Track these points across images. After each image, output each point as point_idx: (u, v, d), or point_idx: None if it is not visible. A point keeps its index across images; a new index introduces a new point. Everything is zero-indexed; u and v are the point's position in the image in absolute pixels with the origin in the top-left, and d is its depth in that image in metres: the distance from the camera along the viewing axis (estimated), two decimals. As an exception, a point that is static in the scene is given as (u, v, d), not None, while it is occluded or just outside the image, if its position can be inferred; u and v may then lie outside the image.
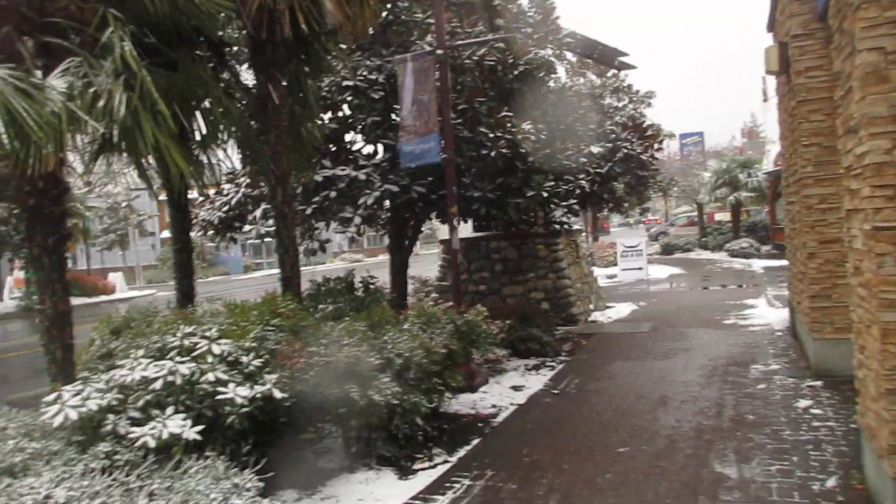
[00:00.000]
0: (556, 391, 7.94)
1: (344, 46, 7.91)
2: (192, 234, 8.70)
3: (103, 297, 27.52)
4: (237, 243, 11.65)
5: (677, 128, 48.51)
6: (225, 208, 10.56)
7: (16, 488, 3.92)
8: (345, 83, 9.09)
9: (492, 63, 9.67)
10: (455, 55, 9.31)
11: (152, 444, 4.41)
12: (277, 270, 7.03)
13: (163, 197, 7.87)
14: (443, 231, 15.18)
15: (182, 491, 3.93)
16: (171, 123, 5.03)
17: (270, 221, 10.68)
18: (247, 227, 10.58)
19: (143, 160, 6.23)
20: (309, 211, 9.35)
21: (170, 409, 4.69)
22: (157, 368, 4.88)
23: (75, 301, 25.53)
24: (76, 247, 29.46)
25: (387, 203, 9.89)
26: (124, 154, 5.59)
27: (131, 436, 4.44)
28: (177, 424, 4.58)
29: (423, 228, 11.68)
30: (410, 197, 9.43)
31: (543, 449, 5.98)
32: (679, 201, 52.19)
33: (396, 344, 6.16)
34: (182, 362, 4.90)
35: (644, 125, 16.81)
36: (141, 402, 4.79)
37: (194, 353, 4.97)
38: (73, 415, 4.43)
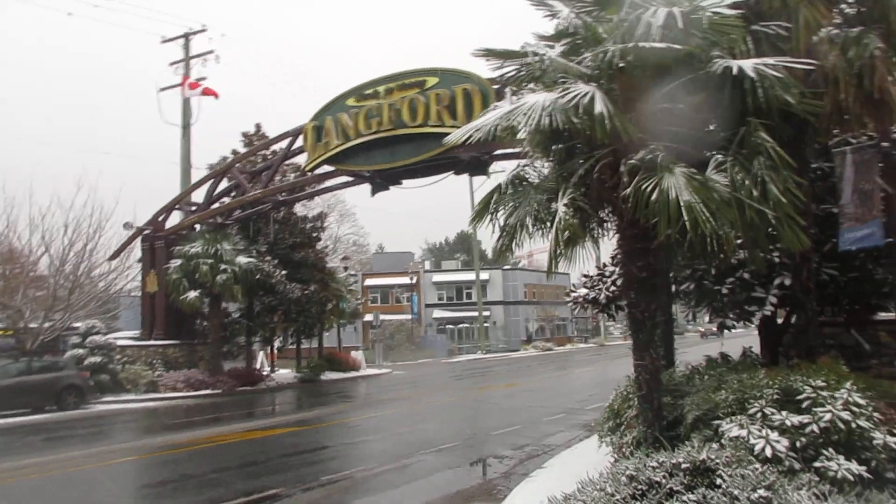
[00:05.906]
0: None
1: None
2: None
3: (353, 374, 29.84)
4: (615, 320, 12.62)
5: None
6: (612, 288, 11.64)
7: None
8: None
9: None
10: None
11: (850, 477, 5.20)
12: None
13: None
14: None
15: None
16: (798, 204, 6.06)
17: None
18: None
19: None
20: (725, 291, 10.12)
21: (830, 451, 5.47)
22: (803, 417, 5.72)
23: (335, 375, 27.56)
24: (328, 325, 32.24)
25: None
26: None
27: (830, 472, 5.24)
28: (851, 465, 5.34)
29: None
30: (819, 279, 9.96)
31: None
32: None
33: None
34: (825, 412, 5.70)
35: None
36: (798, 444, 5.62)
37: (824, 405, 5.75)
38: (781, 448, 5.32)
